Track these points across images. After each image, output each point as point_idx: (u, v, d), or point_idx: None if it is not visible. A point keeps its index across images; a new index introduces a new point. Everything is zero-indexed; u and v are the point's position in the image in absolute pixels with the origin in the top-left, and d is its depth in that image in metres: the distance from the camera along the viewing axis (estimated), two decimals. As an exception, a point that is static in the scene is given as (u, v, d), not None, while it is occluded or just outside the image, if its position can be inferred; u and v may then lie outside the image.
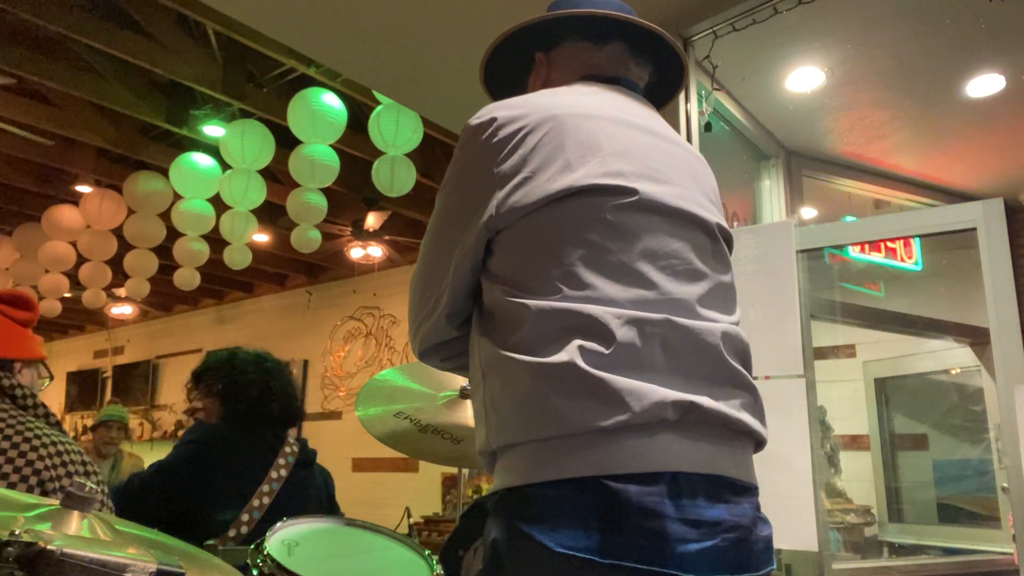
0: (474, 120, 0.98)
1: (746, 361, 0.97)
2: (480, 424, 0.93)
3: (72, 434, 1.57)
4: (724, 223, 1.03)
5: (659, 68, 1.17)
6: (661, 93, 1.21)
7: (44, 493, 1.17)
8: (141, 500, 1.79)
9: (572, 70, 1.13)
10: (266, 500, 1.86)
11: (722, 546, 0.82)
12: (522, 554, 0.81)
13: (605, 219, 0.90)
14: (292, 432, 2.10)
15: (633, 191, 0.92)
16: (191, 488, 1.81)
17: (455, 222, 0.97)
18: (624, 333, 0.85)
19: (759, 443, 0.95)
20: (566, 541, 0.78)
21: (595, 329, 0.85)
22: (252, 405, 1.95)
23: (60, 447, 1.24)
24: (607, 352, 0.84)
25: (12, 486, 1.14)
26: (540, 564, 0.79)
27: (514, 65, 1.20)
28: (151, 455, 2.21)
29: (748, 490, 0.90)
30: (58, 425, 1.31)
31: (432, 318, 1.01)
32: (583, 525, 0.79)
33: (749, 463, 0.93)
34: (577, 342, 0.84)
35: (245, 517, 1.81)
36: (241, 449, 1.91)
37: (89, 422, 9.42)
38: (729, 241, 1.04)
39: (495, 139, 0.95)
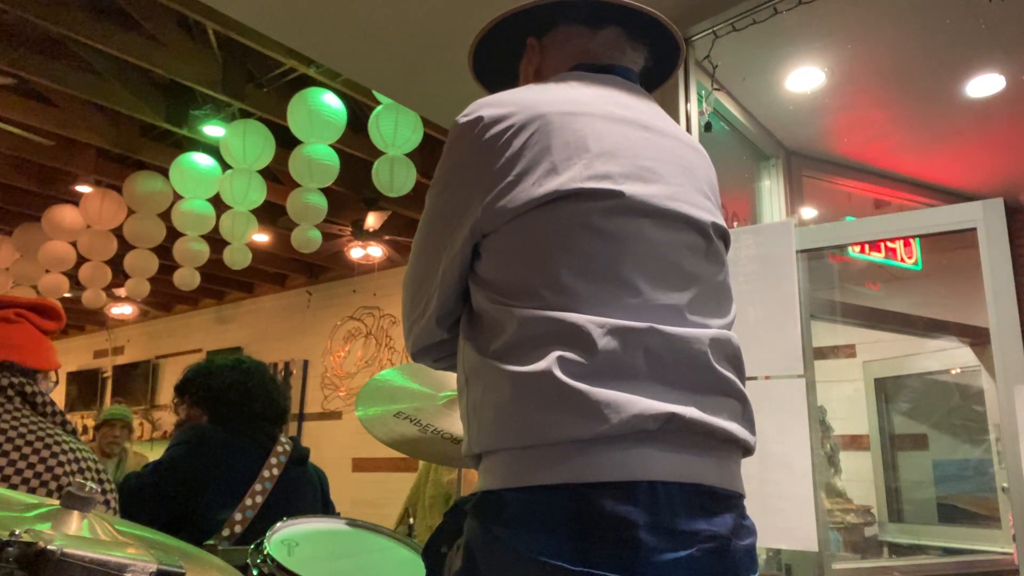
0: (461, 118, 0.96)
1: (737, 366, 0.95)
2: (465, 428, 0.93)
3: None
4: (720, 220, 1.01)
5: (655, 52, 1.14)
6: (656, 76, 1.19)
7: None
8: (137, 499, 1.81)
9: (567, 56, 1.10)
10: (259, 499, 1.87)
11: (698, 555, 0.81)
12: (495, 557, 0.81)
13: (591, 224, 0.88)
14: (290, 431, 2.13)
15: (619, 194, 0.90)
16: (185, 487, 1.83)
17: (442, 225, 0.96)
18: (606, 342, 0.83)
19: (746, 451, 0.94)
20: (539, 547, 0.78)
21: (577, 338, 0.83)
22: (234, 408, 2.00)
23: (77, 454, 1.27)
24: (587, 362, 0.82)
25: (32, 491, 1.16)
26: (512, 568, 0.79)
27: (504, 51, 1.17)
28: (153, 455, 2.22)
29: (730, 499, 0.88)
30: (73, 432, 1.34)
31: (423, 320, 1.00)
32: (556, 532, 0.78)
33: (734, 471, 0.91)
34: (557, 352, 0.83)
35: (238, 516, 1.82)
36: (232, 449, 1.93)
37: (90, 422, 9.44)
38: (725, 238, 1.02)
39: (482, 140, 0.92)
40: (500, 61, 1.19)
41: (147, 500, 1.82)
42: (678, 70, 1.21)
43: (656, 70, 1.18)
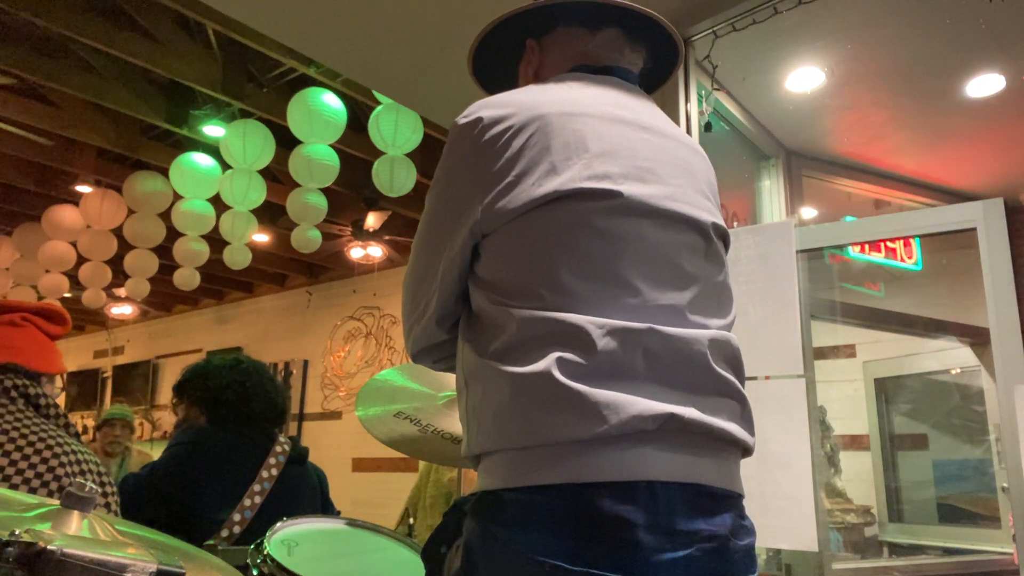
0: (461, 119, 0.96)
1: (736, 367, 0.95)
2: (464, 430, 0.93)
3: None
4: (720, 221, 1.01)
5: (654, 53, 1.15)
6: (656, 77, 1.19)
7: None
8: (135, 500, 1.81)
9: (565, 58, 1.10)
10: (258, 499, 1.87)
11: (697, 555, 0.81)
12: (494, 557, 0.82)
13: (590, 225, 0.88)
14: (290, 430, 2.13)
15: (618, 194, 0.90)
16: (183, 488, 1.83)
17: (442, 226, 0.96)
18: (605, 343, 0.83)
19: (746, 451, 0.94)
20: (537, 546, 0.78)
21: (576, 338, 0.83)
22: (232, 407, 2.00)
23: (79, 455, 1.27)
24: (587, 363, 0.82)
25: (33, 491, 1.17)
26: (511, 568, 0.79)
27: (504, 53, 1.17)
28: (156, 454, 2.23)
29: (730, 498, 0.88)
30: (76, 435, 1.35)
31: (423, 321, 1.00)
32: (555, 531, 0.78)
33: (733, 472, 0.91)
34: (556, 353, 0.83)
35: (237, 516, 1.82)
36: (231, 449, 1.93)
37: (90, 422, 9.44)
38: (725, 239, 1.02)
39: (481, 140, 0.93)
40: (500, 63, 1.19)
41: (145, 501, 1.82)
42: (677, 71, 1.21)
43: (655, 71, 1.18)
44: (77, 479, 1.21)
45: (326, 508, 2.14)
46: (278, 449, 1.98)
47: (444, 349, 1.04)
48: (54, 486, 1.19)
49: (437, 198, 0.98)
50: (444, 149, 0.99)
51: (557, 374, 0.81)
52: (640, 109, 1.03)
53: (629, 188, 0.91)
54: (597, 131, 0.94)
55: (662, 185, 0.94)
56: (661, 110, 1.09)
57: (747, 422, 0.94)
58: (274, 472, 1.93)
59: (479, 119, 0.94)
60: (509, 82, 1.18)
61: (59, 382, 1.47)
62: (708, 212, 0.99)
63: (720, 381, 0.91)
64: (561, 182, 0.89)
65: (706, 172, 1.06)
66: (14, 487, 1.15)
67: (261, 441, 1.98)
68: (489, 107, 0.95)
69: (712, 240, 0.98)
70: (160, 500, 1.82)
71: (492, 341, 0.88)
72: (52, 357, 1.41)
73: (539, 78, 1.12)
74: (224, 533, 1.80)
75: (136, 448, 4.48)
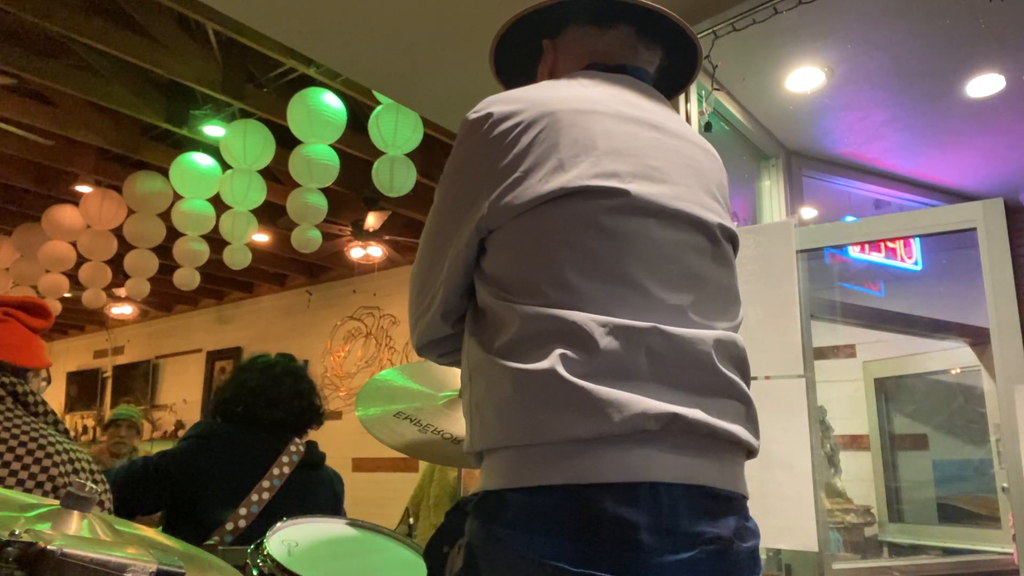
0: (471, 114, 0.96)
1: (742, 368, 0.94)
2: (467, 425, 0.93)
3: (72, 434, 1.61)
4: (728, 222, 1.00)
5: (670, 51, 1.14)
6: (674, 77, 1.18)
7: (57, 499, 1.19)
8: (143, 480, 1.85)
9: (577, 56, 1.10)
10: (265, 496, 1.88)
11: (700, 558, 0.81)
12: (496, 558, 0.81)
13: (597, 223, 0.88)
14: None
15: (626, 193, 0.89)
16: (191, 476, 1.86)
17: (449, 220, 0.96)
18: (608, 342, 0.83)
19: (750, 452, 0.93)
20: (540, 548, 0.78)
21: (579, 337, 0.83)
22: (247, 407, 2.02)
23: (72, 454, 1.26)
24: (589, 361, 0.82)
25: (28, 491, 1.15)
26: (514, 569, 0.79)
27: (526, 54, 1.17)
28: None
29: (734, 500, 0.88)
30: (65, 432, 1.34)
31: (428, 315, 1.00)
32: (557, 533, 0.78)
33: (737, 473, 0.91)
34: (560, 350, 0.82)
35: (243, 511, 1.84)
36: (240, 445, 1.96)
37: (90, 422, 9.45)
38: (733, 240, 1.01)
39: (491, 135, 0.92)
40: (523, 66, 1.20)
41: (151, 482, 1.86)
42: (699, 69, 1.20)
43: (675, 69, 1.17)
44: (71, 477, 1.21)
45: (337, 514, 2.14)
46: (292, 449, 2.00)
47: (449, 343, 1.04)
48: (48, 486, 1.18)
49: (445, 193, 0.98)
50: (454, 144, 0.99)
51: (562, 371, 0.81)
52: (652, 108, 1.02)
53: (637, 187, 0.90)
54: (607, 129, 0.94)
55: (670, 185, 0.94)
56: (674, 111, 1.09)
57: (752, 423, 0.93)
58: (285, 471, 1.94)
59: (489, 114, 0.94)
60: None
61: (44, 374, 1.46)
62: (715, 213, 0.98)
63: (725, 382, 0.90)
64: (568, 179, 0.88)
65: (716, 173, 1.06)
66: (8, 487, 1.14)
67: (273, 443, 2.00)
68: (499, 103, 0.95)
69: (720, 242, 0.98)
70: (166, 484, 1.86)
71: (496, 337, 0.88)
72: (36, 351, 1.39)
73: (553, 77, 1.12)
74: (229, 527, 1.81)
75: (145, 450, 4.50)
